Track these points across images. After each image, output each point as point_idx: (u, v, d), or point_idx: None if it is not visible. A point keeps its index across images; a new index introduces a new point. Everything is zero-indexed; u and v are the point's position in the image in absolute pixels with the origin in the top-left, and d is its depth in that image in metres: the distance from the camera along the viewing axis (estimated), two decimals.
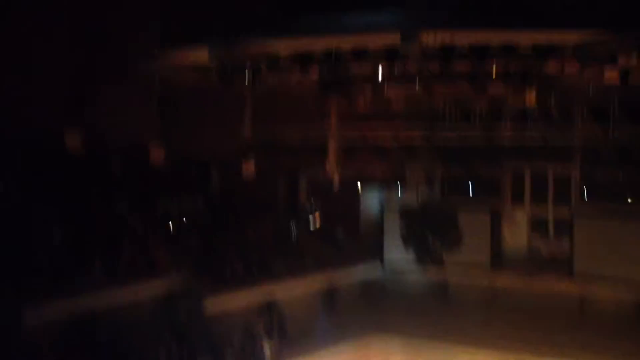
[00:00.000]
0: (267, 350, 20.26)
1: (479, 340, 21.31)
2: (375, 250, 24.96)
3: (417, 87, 18.66)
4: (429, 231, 23.83)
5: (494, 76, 17.49)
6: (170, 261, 19.97)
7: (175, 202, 21.66)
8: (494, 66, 17.16)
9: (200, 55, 18.70)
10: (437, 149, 23.60)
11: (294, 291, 22.43)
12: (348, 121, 23.54)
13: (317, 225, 24.31)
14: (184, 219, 21.66)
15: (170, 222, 21.12)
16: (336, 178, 23.10)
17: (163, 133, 21.32)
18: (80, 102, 19.80)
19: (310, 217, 24.55)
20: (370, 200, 26.37)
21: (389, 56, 17.45)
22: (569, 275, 22.24)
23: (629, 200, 21.91)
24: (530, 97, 18.86)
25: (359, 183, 25.89)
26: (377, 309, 24.10)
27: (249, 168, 22.30)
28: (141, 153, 20.89)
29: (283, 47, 18.10)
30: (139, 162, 20.96)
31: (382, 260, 25.01)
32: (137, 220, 20.37)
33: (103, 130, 19.86)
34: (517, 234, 24.63)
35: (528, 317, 22.41)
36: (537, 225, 24.45)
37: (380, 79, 18.10)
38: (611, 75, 17.03)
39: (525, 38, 16.11)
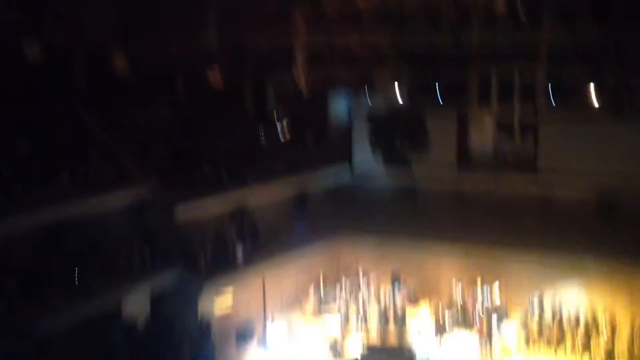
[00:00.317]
0: (239, 256, 20.67)
1: (448, 236, 22.04)
2: (344, 154, 25.14)
3: None
4: (397, 135, 24.00)
5: None
6: (138, 170, 19.96)
7: (141, 110, 21.42)
8: None
9: None
10: (405, 54, 23.45)
11: (264, 196, 22.69)
12: (315, 26, 23.20)
13: (286, 132, 24.29)
14: (151, 127, 21.49)
15: (136, 131, 20.95)
16: (304, 84, 22.98)
17: (125, 39, 20.85)
18: (37, 9, 19.19)
19: (279, 124, 24.48)
20: (339, 106, 26.32)
21: None
22: (534, 175, 22.76)
23: (595, 103, 22.17)
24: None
25: (327, 89, 25.74)
26: (348, 211, 24.55)
27: (214, 75, 22.03)
28: (103, 60, 20.48)
29: None
30: (102, 70, 20.56)
31: (351, 164, 25.25)
32: (103, 129, 20.19)
33: (63, 37, 19.36)
34: (483, 137, 24.94)
35: (494, 215, 22.97)
36: (503, 129, 24.76)
37: None
38: None
39: None
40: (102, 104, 20.66)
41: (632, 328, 18.17)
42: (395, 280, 21.55)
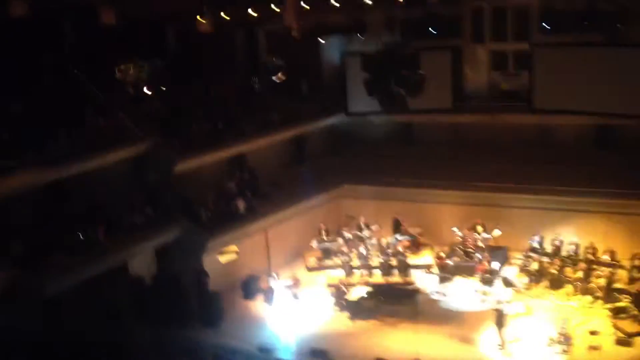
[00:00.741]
0: (241, 207, 20.73)
1: (444, 179, 22.17)
2: (339, 100, 24.94)
3: None
4: (391, 75, 23.71)
5: None
6: (134, 125, 19.76)
7: (134, 65, 21.04)
8: None
9: None
10: None
11: (262, 147, 22.61)
12: None
13: (280, 77, 23.93)
14: (145, 81, 21.17)
15: (130, 86, 20.65)
16: (296, 29, 22.52)
17: None
18: None
19: (273, 74, 24.16)
20: (332, 50, 25.94)
21: None
22: (529, 108, 22.68)
23: (585, 25, 22.00)
24: None
25: (319, 33, 25.29)
26: (345, 159, 24.56)
27: (205, 24, 21.55)
28: (93, 14, 19.93)
29: None
30: (92, 24, 20.05)
31: (347, 109, 25.06)
32: (97, 86, 19.87)
33: None
34: (478, 71, 24.76)
35: (490, 151, 23.15)
36: (498, 61, 24.57)
37: None
38: None
39: None
40: (94, 60, 20.26)
41: (632, 263, 18.49)
42: (396, 228, 21.74)
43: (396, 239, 20.94)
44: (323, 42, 25.28)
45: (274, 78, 23.48)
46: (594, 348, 15.68)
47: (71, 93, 19.26)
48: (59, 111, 18.51)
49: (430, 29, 24.46)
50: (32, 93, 18.31)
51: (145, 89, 20.90)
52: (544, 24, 23.00)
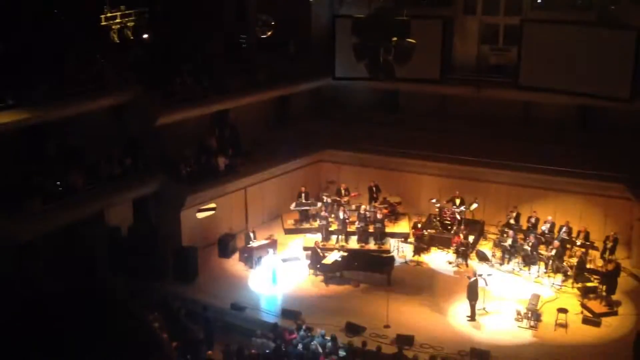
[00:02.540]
0: (221, 164, 20.60)
1: (426, 149, 22.14)
2: (326, 63, 24.67)
3: None
4: (381, 41, 23.42)
5: None
6: (117, 74, 19.41)
7: (120, 13, 20.55)
8: None
9: None
10: None
11: (246, 106, 22.38)
12: None
13: (268, 33, 23.49)
14: (131, 30, 20.71)
15: (115, 34, 20.20)
16: None
17: None
18: None
19: (261, 29, 23.75)
20: (322, 11, 25.58)
21: None
22: (515, 83, 22.64)
23: (579, 3, 21.89)
24: None
25: None
26: (329, 123, 24.43)
27: None
28: None
29: None
30: None
31: (333, 73, 24.81)
32: (81, 32, 19.41)
33: None
34: (467, 43, 24.60)
35: (473, 124, 23.14)
36: (488, 35, 24.42)
37: None
38: None
39: None
40: (79, 4, 19.77)
41: (604, 245, 18.77)
42: (375, 196, 21.76)
43: (374, 206, 20.98)
44: (313, 1, 24.90)
45: (262, 35, 23.12)
46: (561, 326, 15.99)
47: (53, 37, 18.83)
48: (39, 54, 18.14)
49: None
50: (13, 35, 17.88)
51: (130, 38, 20.46)
52: None
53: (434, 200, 20.93)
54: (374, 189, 21.81)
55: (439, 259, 19.66)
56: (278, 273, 18.41)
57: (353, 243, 20.14)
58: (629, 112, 20.88)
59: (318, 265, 18.55)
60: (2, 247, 15.44)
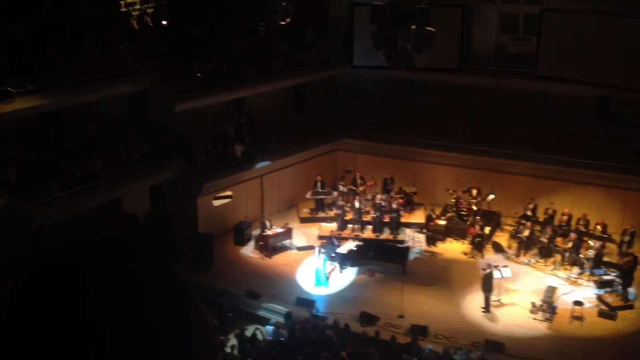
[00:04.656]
0: (238, 152, 20.64)
1: (443, 139, 21.96)
2: (344, 52, 24.55)
3: None
4: (399, 30, 23.22)
5: None
6: (136, 61, 19.44)
7: (138, 1, 20.57)
8: None
9: None
10: None
11: (263, 93, 22.34)
12: None
13: (286, 22, 23.40)
14: (150, 17, 20.74)
15: (135, 20, 20.23)
16: None
17: None
18: None
19: (280, 16, 23.66)
20: (340, 4, 25.42)
21: None
22: (534, 73, 22.39)
23: None
24: None
25: None
26: (345, 112, 24.35)
27: None
28: None
29: None
30: None
31: (351, 61, 24.68)
32: (99, 19, 19.48)
33: None
34: (486, 32, 24.37)
35: (491, 115, 22.92)
36: (508, 24, 24.18)
37: None
38: None
39: None
40: None
41: (622, 238, 18.61)
42: (389, 188, 21.71)
43: (390, 196, 20.94)
44: None
45: (280, 22, 23.02)
46: (576, 318, 15.92)
47: (72, 22, 18.91)
48: (58, 40, 18.21)
49: None
50: (32, 20, 17.97)
51: (150, 24, 20.49)
52: None
53: (450, 191, 20.84)
54: (388, 181, 21.73)
55: (454, 250, 19.60)
56: (325, 273, 17.89)
57: (368, 233, 20.13)
58: None
59: (333, 255, 18.56)
60: (21, 230, 15.58)
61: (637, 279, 17.22)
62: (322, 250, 18.49)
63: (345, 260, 18.30)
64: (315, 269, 17.87)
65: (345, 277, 18.18)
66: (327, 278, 17.82)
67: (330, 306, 16.54)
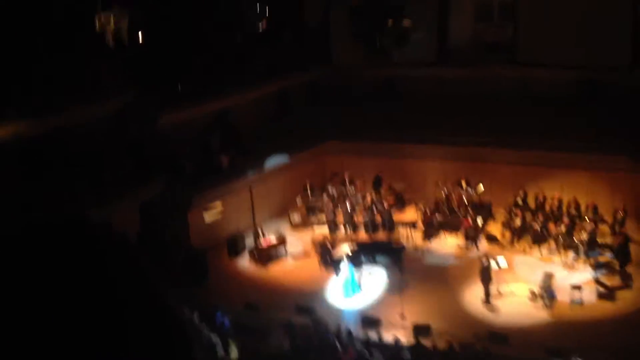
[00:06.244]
0: (224, 163, 20.46)
1: (428, 134, 21.86)
2: (323, 51, 24.40)
3: None
4: (377, 26, 23.24)
5: None
6: (114, 77, 19.23)
7: (114, 14, 20.40)
8: None
9: None
10: None
11: (245, 102, 22.17)
12: None
13: (263, 27, 23.30)
14: (124, 33, 20.58)
15: (111, 37, 20.06)
16: None
17: None
18: None
19: (255, 21, 23.57)
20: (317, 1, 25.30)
21: None
22: (512, 61, 22.36)
23: None
24: None
25: None
26: (329, 114, 24.14)
27: None
28: None
29: None
30: None
31: (330, 61, 24.54)
32: (74, 39, 19.22)
33: None
34: (462, 22, 24.30)
35: (474, 105, 22.78)
36: (482, 13, 24.13)
37: None
38: None
39: None
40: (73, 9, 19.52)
41: (614, 218, 18.64)
42: (380, 185, 21.58)
43: (380, 195, 20.81)
44: None
45: (257, 29, 22.93)
46: (576, 303, 15.90)
47: (48, 45, 18.63)
48: (34, 64, 17.93)
49: None
50: (6, 42, 17.68)
51: (125, 40, 20.32)
52: None
53: (440, 184, 20.74)
54: (377, 180, 21.61)
55: (449, 244, 19.55)
56: (354, 280, 17.47)
57: (361, 234, 20.00)
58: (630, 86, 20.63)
59: (328, 259, 18.37)
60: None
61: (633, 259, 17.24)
62: (347, 259, 17.77)
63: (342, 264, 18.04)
64: (344, 280, 17.35)
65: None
66: (359, 285, 17.43)
67: (329, 310, 16.40)
